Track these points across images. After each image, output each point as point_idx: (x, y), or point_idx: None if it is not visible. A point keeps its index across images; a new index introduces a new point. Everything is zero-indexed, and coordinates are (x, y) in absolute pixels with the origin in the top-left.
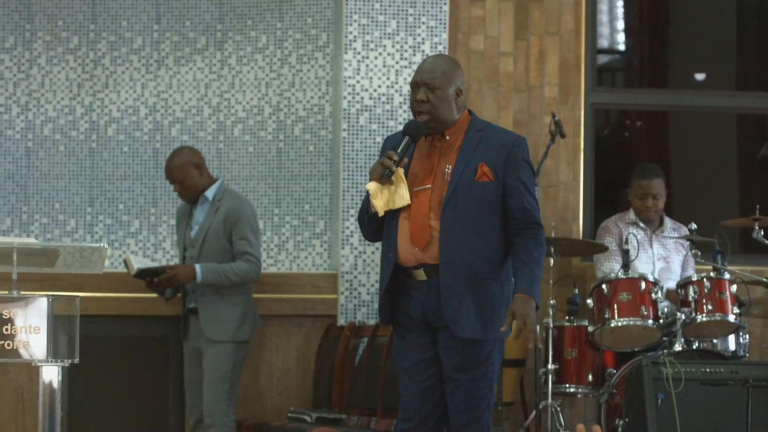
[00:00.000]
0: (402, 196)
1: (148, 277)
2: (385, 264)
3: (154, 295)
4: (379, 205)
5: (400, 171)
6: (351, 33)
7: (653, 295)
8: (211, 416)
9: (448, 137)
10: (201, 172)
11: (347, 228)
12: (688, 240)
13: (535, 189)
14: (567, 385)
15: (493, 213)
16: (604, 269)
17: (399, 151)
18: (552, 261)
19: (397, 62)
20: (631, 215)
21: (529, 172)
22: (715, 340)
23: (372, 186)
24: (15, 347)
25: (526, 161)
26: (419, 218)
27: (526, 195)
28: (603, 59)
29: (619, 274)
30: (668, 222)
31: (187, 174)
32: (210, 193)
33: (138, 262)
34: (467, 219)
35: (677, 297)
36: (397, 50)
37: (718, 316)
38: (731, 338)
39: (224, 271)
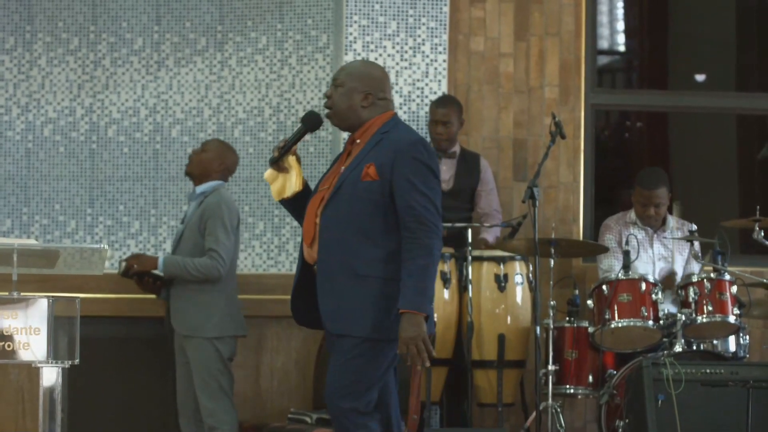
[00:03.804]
0: (291, 183)
1: (132, 276)
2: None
3: (154, 296)
4: (273, 191)
5: (291, 159)
6: (351, 34)
7: (654, 296)
8: (212, 416)
9: (358, 141)
10: (217, 167)
11: None
12: (688, 241)
13: (432, 190)
14: (567, 386)
15: (377, 212)
16: (603, 266)
17: (289, 138)
18: (552, 262)
19: (397, 63)
20: (632, 215)
21: (423, 171)
22: (715, 341)
23: (267, 173)
24: (15, 348)
25: (419, 161)
26: (309, 217)
27: (412, 193)
28: (603, 60)
29: (620, 275)
30: (671, 221)
31: (214, 157)
32: (202, 188)
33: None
34: (348, 218)
35: (674, 286)
36: (398, 51)
37: (718, 317)
38: (731, 339)
39: (185, 265)
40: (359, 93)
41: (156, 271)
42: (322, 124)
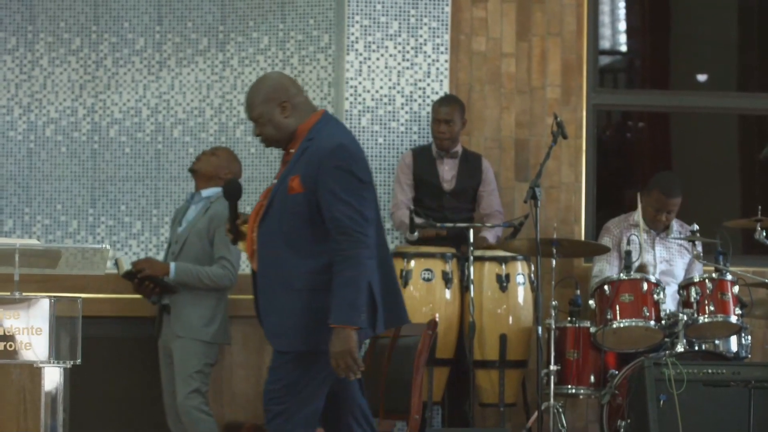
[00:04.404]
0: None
1: (135, 278)
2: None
3: (144, 297)
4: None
5: (245, 228)
6: (353, 34)
7: (655, 296)
8: (186, 414)
9: (291, 150)
10: (223, 174)
11: None
12: (689, 241)
13: (356, 197)
14: (569, 387)
15: (305, 224)
16: (594, 270)
17: (228, 218)
18: (554, 262)
19: (399, 63)
20: (635, 217)
21: (346, 179)
22: (717, 341)
23: (241, 248)
24: (17, 348)
25: (340, 169)
26: (249, 234)
27: (336, 204)
28: (605, 60)
29: (621, 275)
30: (675, 224)
31: (223, 164)
32: (207, 192)
33: (128, 264)
34: (280, 232)
35: (679, 298)
36: (399, 51)
37: (720, 317)
38: (733, 339)
39: (198, 273)
40: (276, 109)
41: (167, 278)
42: (241, 189)
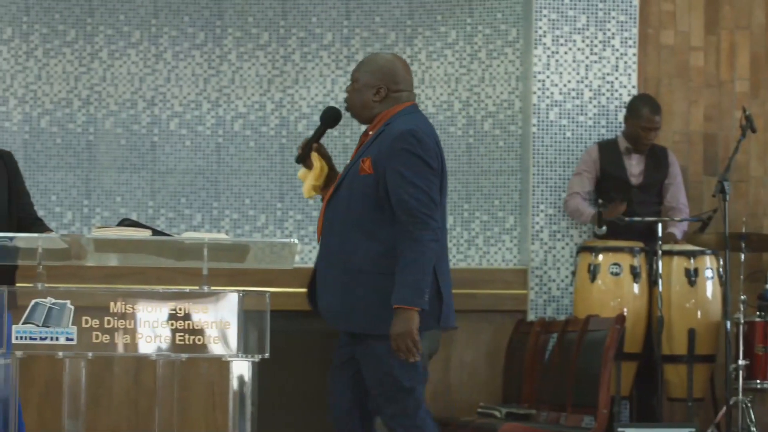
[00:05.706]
0: (308, 182)
1: None
2: None
3: None
4: (304, 189)
5: (314, 156)
6: (540, 28)
7: None
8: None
9: (370, 133)
10: None
11: (537, 223)
12: None
13: (425, 180)
14: (758, 381)
15: (375, 206)
16: None
17: (311, 136)
18: (742, 256)
19: (587, 57)
20: None
21: (414, 162)
22: None
23: (299, 173)
24: (206, 342)
25: (408, 151)
26: (321, 211)
27: (403, 186)
28: None
29: None
30: None
31: None
32: None
33: None
34: (349, 212)
35: None
36: (587, 45)
37: None
38: None
39: None
40: (372, 88)
41: None
42: (340, 118)
